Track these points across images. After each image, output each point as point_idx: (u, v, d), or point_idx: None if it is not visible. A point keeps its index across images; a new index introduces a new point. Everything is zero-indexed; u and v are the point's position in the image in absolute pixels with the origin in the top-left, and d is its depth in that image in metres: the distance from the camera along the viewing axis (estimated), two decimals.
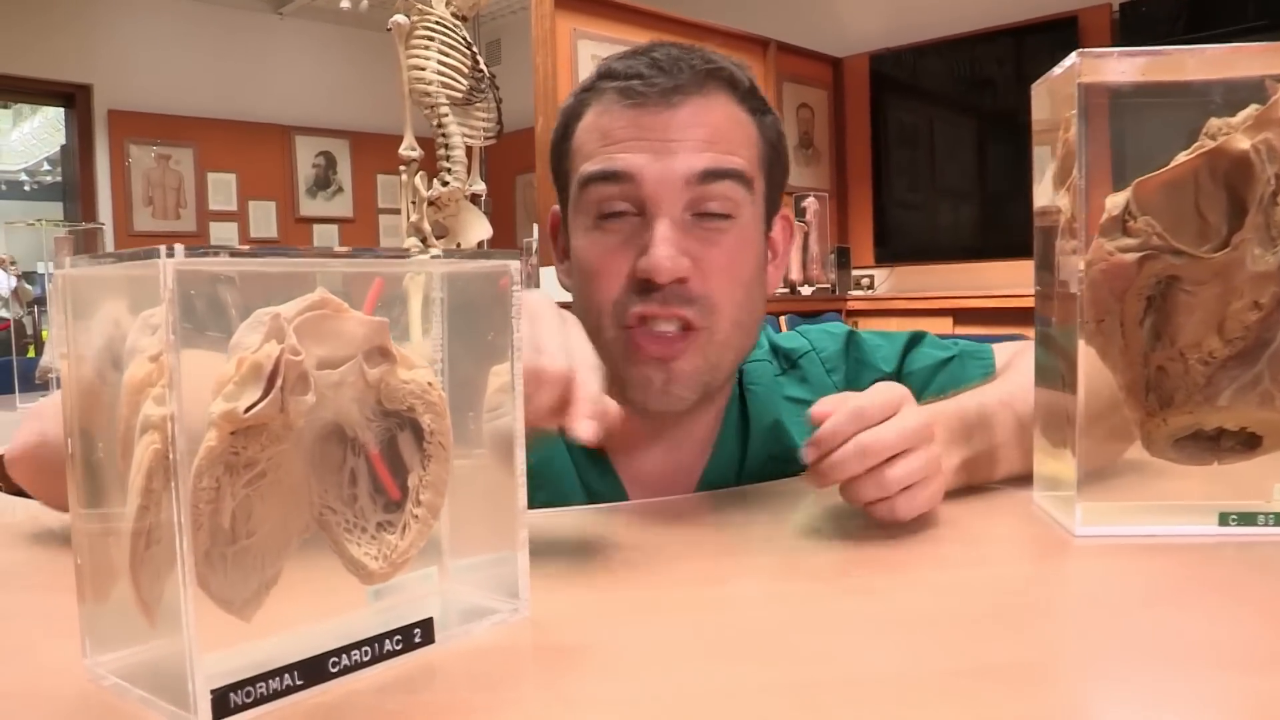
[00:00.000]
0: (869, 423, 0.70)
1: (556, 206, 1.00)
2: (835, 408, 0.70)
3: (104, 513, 0.44)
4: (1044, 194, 0.76)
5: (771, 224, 0.98)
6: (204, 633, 0.39)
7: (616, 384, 0.90)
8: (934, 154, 5.48)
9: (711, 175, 0.87)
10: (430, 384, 0.48)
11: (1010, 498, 0.80)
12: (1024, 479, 0.81)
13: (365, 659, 0.45)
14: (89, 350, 0.44)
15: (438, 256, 0.51)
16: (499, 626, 0.51)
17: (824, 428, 0.70)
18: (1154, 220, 0.67)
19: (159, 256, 0.37)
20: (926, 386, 1.03)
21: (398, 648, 0.46)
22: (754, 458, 0.98)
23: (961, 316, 4.74)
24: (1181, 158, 0.67)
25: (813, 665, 0.47)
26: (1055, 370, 0.75)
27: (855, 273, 5.50)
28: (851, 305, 5.21)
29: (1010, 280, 4.92)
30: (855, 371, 1.06)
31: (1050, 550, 0.66)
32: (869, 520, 0.71)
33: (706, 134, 0.88)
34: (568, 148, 0.94)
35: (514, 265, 0.52)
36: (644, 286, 0.86)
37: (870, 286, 5.51)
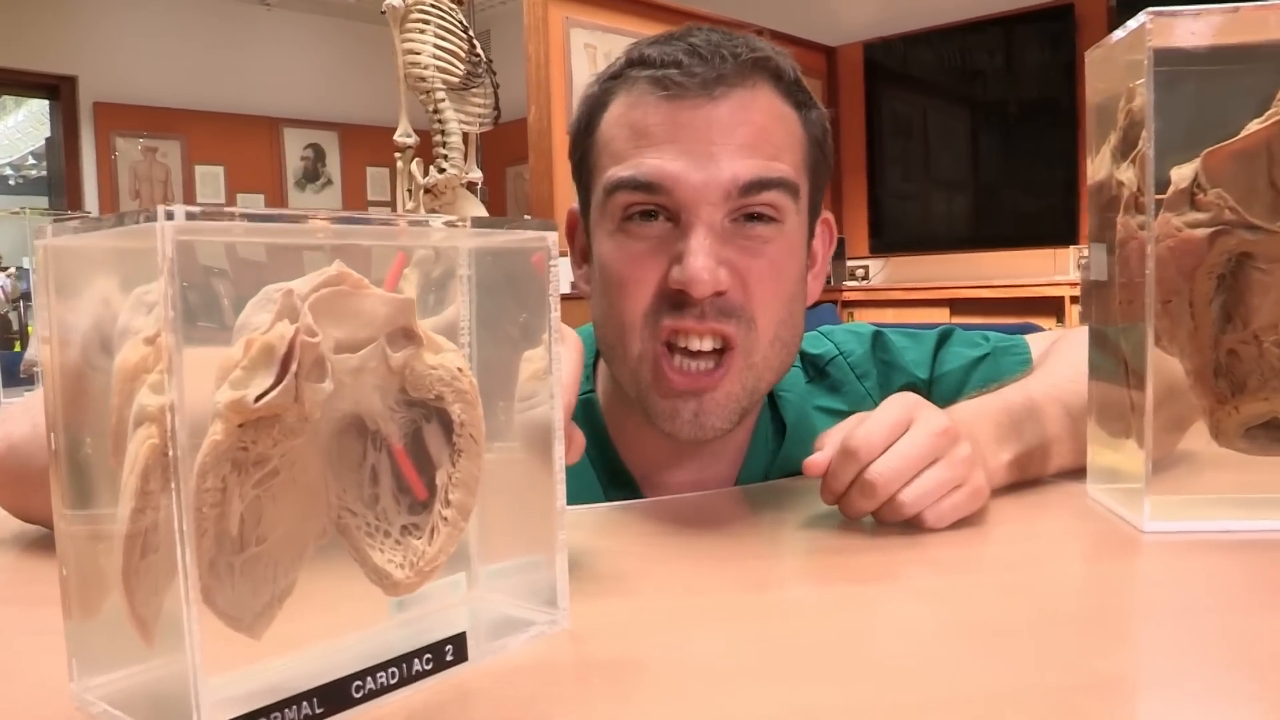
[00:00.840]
0: (868, 458, 0.65)
1: (575, 205, 0.91)
2: (830, 451, 0.67)
3: (93, 516, 0.39)
4: (1101, 168, 0.71)
5: (814, 229, 0.89)
6: (209, 653, 0.34)
7: (641, 410, 0.83)
8: (928, 143, 5.44)
9: (755, 186, 0.78)
10: (460, 370, 0.42)
11: (1062, 491, 0.75)
12: (1073, 473, 0.77)
13: (393, 681, 0.40)
14: (75, 333, 0.39)
15: (464, 224, 0.46)
16: (536, 640, 0.46)
17: (826, 476, 0.67)
18: (1225, 193, 0.63)
19: (156, 220, 0.32)
20: (962, 387, 0.97)
21: (428, 668, 0.41)
22: (783, 469, 0.92)
23: (958, 306, 4.71)
24: (1254, 126, 0.62)
25: (895, 684, 0.41)
26: (1113, 356, 0.70)
27: (850, 263, 5.46)
28: (847, 296, 5.17)
29: (1006, 270, 4.89)
30: (885, 375, 1.00)
31: (1119, 548, 0.61)
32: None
33: (750, 136, 0.78)
34: (591, 143, 0.85)
35: (551, 237, 0.46)
36: (677, 300, 0.78)
37: (865, 277, 5.47)
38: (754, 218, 0.79)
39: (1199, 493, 0.66)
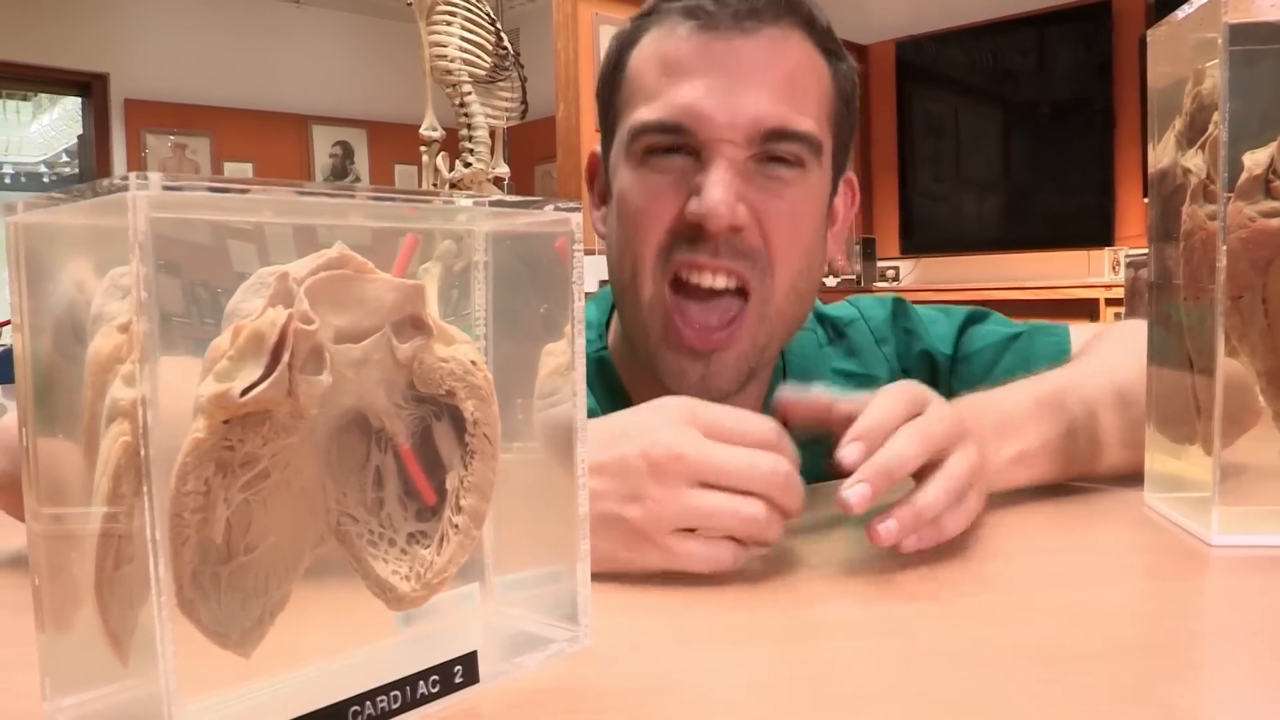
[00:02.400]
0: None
1: (597, 148, 0.90)
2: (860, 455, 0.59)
3: (66, 521, 0.35)
4: (1165, 156, 0.67)
5: (836, 187, 0.87)
6: (190, 673, 0.30)
7: (647, 364, 0.82)
8: (959, 143, 5.37)
9: (777, 135, 0.76)
10: (474, 363, 0.39)
11: (1116, 500, 0.70)
12: (1128, 479, 0.72)
13: (395, 706, 0.36)
14: (48, 319, 0.35)
15: (480, 202, 0.41)
16: (555, 659, 0.42)
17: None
18: None
19: (128, 189, 0.28)
20: (992, 369, 0.92)
21: (434, 690, 0.37)
22: (796, 438, 0.88)
23: (989, 308, 4.63)
24: None
25: (945, 714, 0.37)
26: (1175, 356, 0.66)
27: (880, 264, 5.40)
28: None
29: (1038, 272, 4.81)
30: (905, 343, 0.96)
31: (1186, 563, 0.57)
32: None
33: (779, 80, 0.77)
34: (619, 79, 0.83)
35: (576, 219, 0.42)
36: (693, 234, 0.76)
37: (896, 278, 5.41)
38: (777, 160, 0.78)
39: (1271, 504, 0.62)
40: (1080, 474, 0.74)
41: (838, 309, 0.99)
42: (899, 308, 0.98)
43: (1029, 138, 5.06)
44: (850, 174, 0.90)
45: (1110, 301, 4.22)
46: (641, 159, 0.79)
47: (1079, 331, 0.95)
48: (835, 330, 0.97)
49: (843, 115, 0.84)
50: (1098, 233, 4.71)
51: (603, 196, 0.88)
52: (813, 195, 0.81)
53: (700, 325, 0.78)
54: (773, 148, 0.77)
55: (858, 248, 5.09)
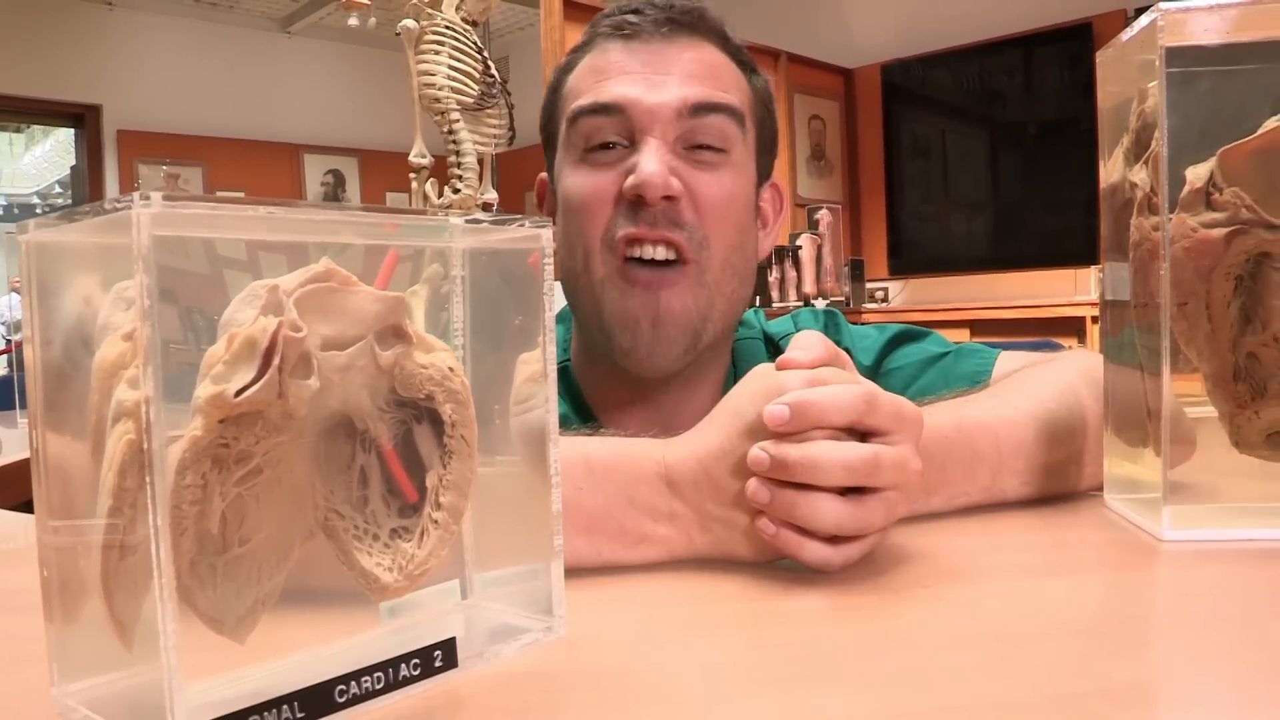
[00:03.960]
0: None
1: (544, 174, 0.98)
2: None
3: (74, 518, 0.38)
4: (1115, 171, 0.70)
5: (762, 188, 0.95)
6: (188, 657, 0.33)
7: (604, 338, 0.88)
8: (947, 164, 5.43)
9: (704, 108, 0.85)
10: (452, 369, 0.42)
11: (1079, 502, 0.73)
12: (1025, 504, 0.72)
13: (378, 686, 0.39)
14: (57, 331, 0.38)
15: (453, 212, 0.45)
16: (531, 648, 0.45)
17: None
18: (1242, 192, 0.61)
19: (133, 207, 0.31)
20: (908, 387, 0.95)
21: (415, 673, 0.40)
22: None
23: (979, 327, 4.68)
24: (1271, 123, 0.61)
25: (905, 692, 0.40)
26: (1129, 363, 0.69)
27: (869, 285, 5.44)
28: (867, 318, 5.14)
29: (1027, 291, 4.86)
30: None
31: (1137, 557, 0.60)
32: (928, 525, 0.65)
33: (700, 68, 0.87)
34: (557, 99, 0.93)
35: (545, 235, 0.45)
36: (633, 208, 0.84)
37: (885, 299, 5.45)
38: (704, 147, 0.86)
39: (1219, 501, 0.65)
40: (961, 503, 0.69)
41: (778, 324, 1.04)
42: (830, 320, 1.03)
43: (1016, 158, 5.13)
44: (778, 182, 0.98)
45: (1096, 319, 4.26)
46: (581, 156, 0.87)
47: (1013, 359, 0.92)
48: (773, 345, 1.01)
49: (763, 117, 0.93)
50: (1085, 251, 4.77)
51: (552, 211, 0.95)
52: (739, 177, 0.89)
53: (649, 263, 0.85)
54: (699, 122, 0.85)
55: (846, 269, 5.13)
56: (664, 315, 0.85)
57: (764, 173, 0.95)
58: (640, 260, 0.84)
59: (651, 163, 0.82)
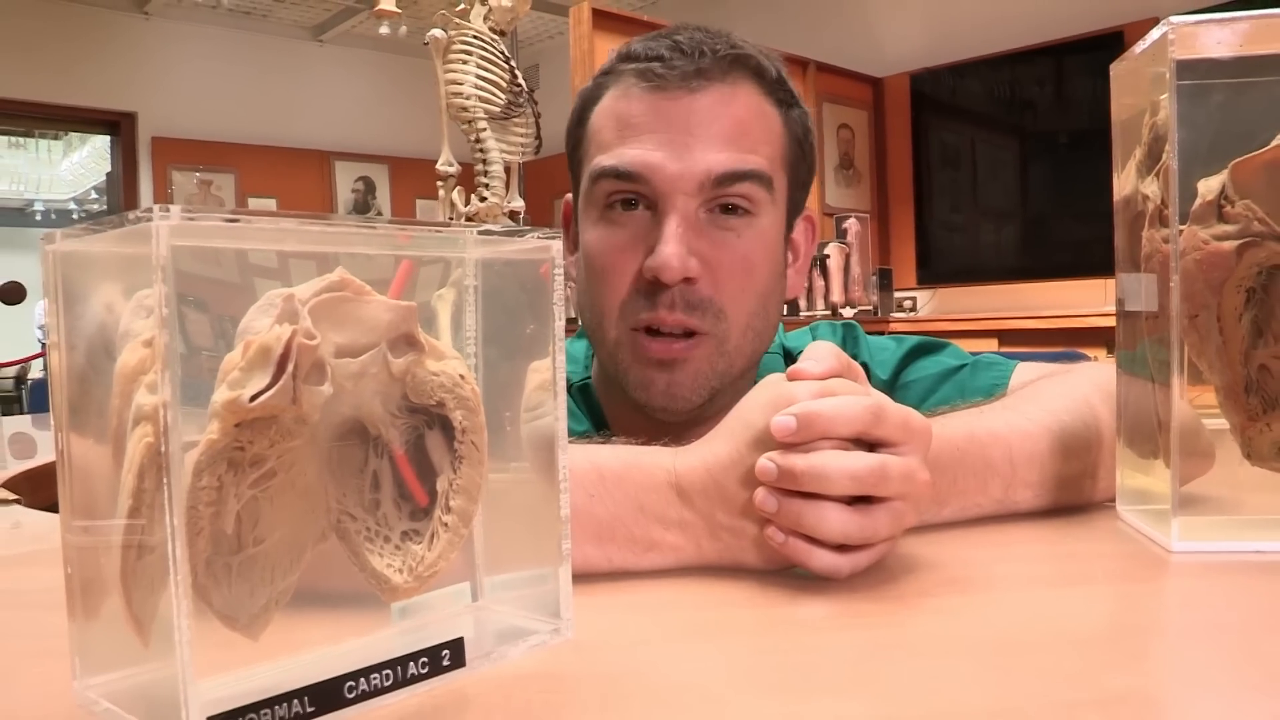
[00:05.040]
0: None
1: (569, 196, 0.97)
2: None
3: (95, 518, 0.39)
4: (1127, 183, 0.70)
5: (793, 225, 0.93)
6: (202, 653, 0.34)
7: (620, 385, 0.88)
8: (976, 174, 5.40)
9: (729, 178, 0.83)
10: (463, 376, 0.43)
11: (1091, 514, 0.73)
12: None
13: (387, 684, 0.40)
14: (81, 338, 0.40)
15: (465, 225, 0.46)
16: (538, 650, 0.46)
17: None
18: (1254, 204, 0.61)
19: (153, 219, 0.33)
20: (926, 398, 0.96)
21: (424, 671, 0.41)
22: None
23: (1006, 338, 4.65)
24: None
25: (909, 699, 0.41)
26: (1141, 376, 0.69)
27: (898, 294, 5.42)
28: (894, 327, 5.12)
29: (1055, 301, 4.82)
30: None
31: (1145, 568, 0.60)
32: (939, 534, 0.66)
33: (727, 129, 0.84)
34: (583, 134, 0.91)
35: (555, 246, 0.47)
36: (651, 287, 0.83)
37: (913, 308, 5.42)
38: (728, 210, 0.84)
39: (1229, 514, 0.65)
40: (973, 514, 0.69)
41: (797, 340, 1.04)
42: (848, 333, 1.04)
43: (1045, 167, 5.09)
44: (810, 213, 0.96)
45: None
46: (603, 212, 0.86)
47: (1030, 370, 0.93)
48: (791, 360, 0.98)
49: (796, 156, 0.90)
50: (1114, 262, 4.72)
51: (575, 243, 0.94)
52: (764, 240, 0.87)
53: (663, 338, 0.84)
54: (725, 191, 0.83)
55: (874, 278, 5.12)
56: (679, 380, 0.85)
57: (796, 209, 0.93)
58: (657, 332, 0.84)
59: (670, 244, 0.81)
